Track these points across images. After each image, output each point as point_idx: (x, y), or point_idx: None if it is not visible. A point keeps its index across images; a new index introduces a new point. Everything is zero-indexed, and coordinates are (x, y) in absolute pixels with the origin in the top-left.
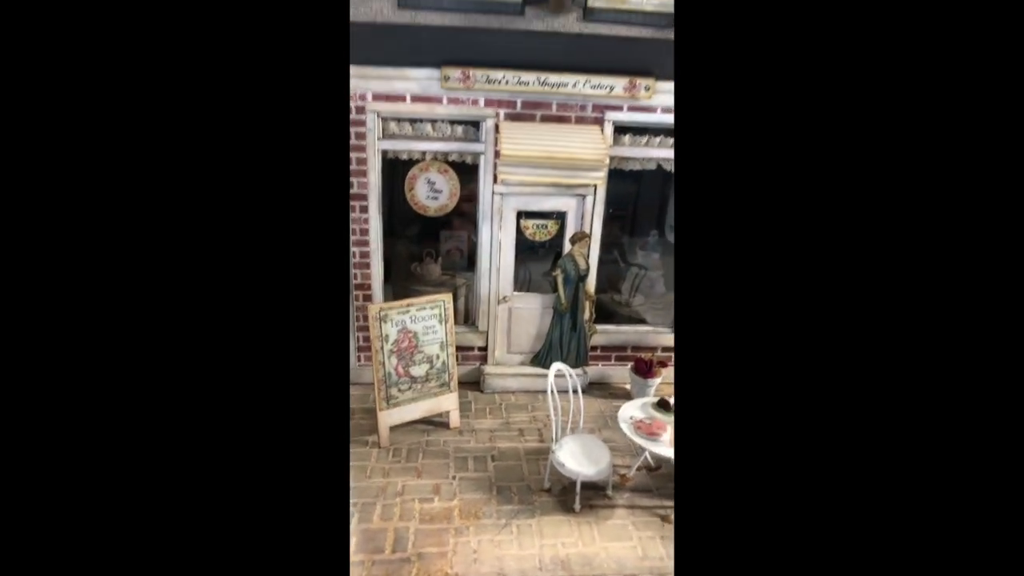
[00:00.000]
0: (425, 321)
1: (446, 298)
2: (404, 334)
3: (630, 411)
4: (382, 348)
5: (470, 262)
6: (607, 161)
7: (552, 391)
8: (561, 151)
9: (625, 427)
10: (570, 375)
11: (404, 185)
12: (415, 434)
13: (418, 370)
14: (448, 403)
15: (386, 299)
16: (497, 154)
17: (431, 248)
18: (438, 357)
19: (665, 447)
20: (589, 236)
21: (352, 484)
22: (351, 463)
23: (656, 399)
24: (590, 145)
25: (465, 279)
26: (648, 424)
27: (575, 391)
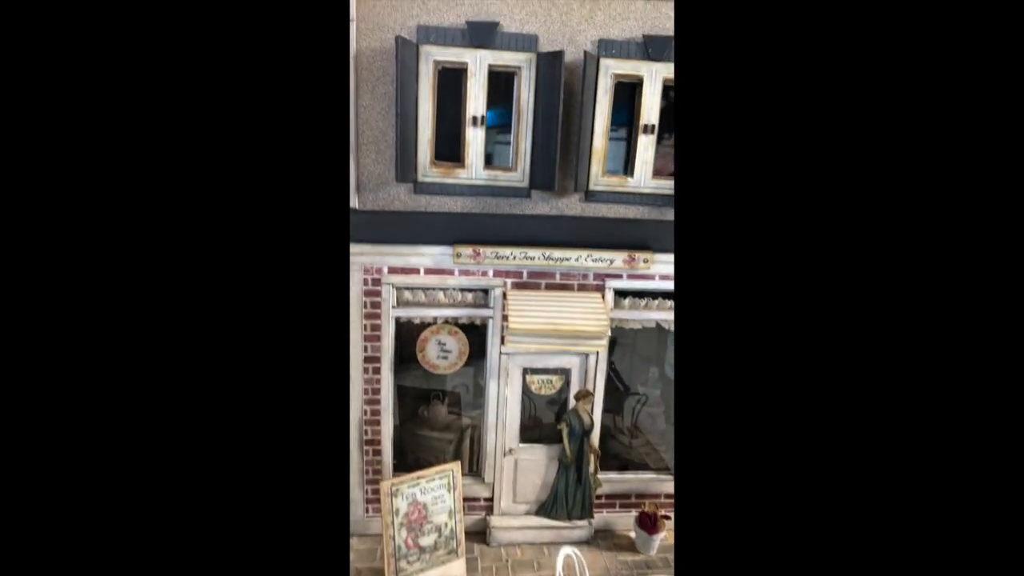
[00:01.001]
0: (434, 492)
1: (454, 467)
2: (414, 506)
3: None
4: (392, 522)
5: (476, 394)
6: (608, 332)
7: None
8: (565, 323)
9: None
10: (575, 554)
11: (416, 346)
12: None
13: (427, 540)
14: (456, 569)
15: (394, 448)
16: (505, 318)
17: (438, 390)
18: (446, 525)
19: None
20: (592, 394)
21: None
22: None
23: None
24: (592, 316)
25: (471, 418)
26: None
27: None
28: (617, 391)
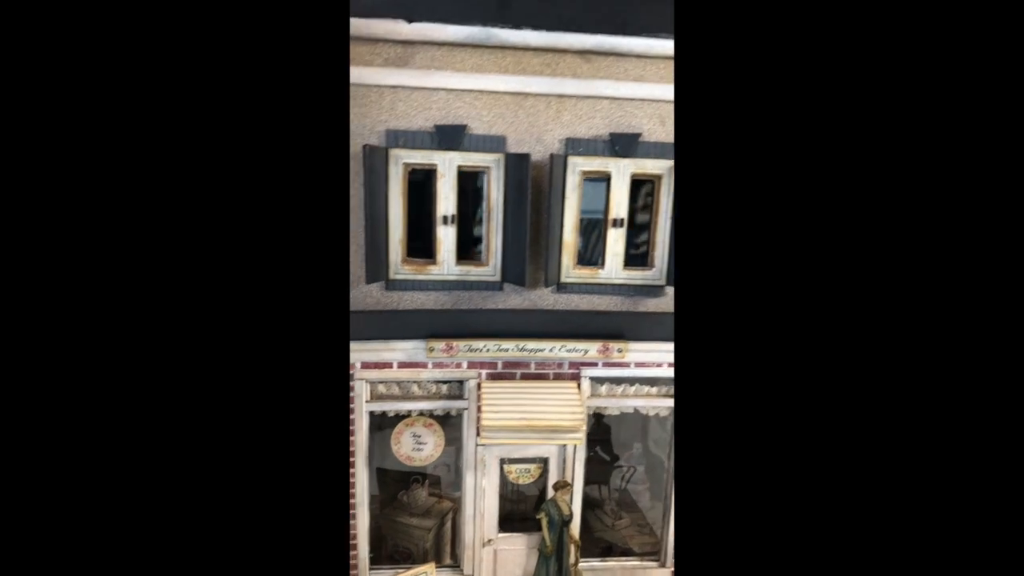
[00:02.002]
0: None
1: (429, 568)
2: None
3: None
4: None
5: (458, 474)
6: (583, 427)
7: None
8: (539, 419)
9: None
10: None
11: (391, 439)
12: None
13: None
14: None
15: (371, 541)
16: (480, 409)
17: (418, 473)
18: None
19: None
20: (571, 484)
21: None
22: None
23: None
24: (567, 410)
25: (453, 500)
26: None
27: None
28: (604, 462)
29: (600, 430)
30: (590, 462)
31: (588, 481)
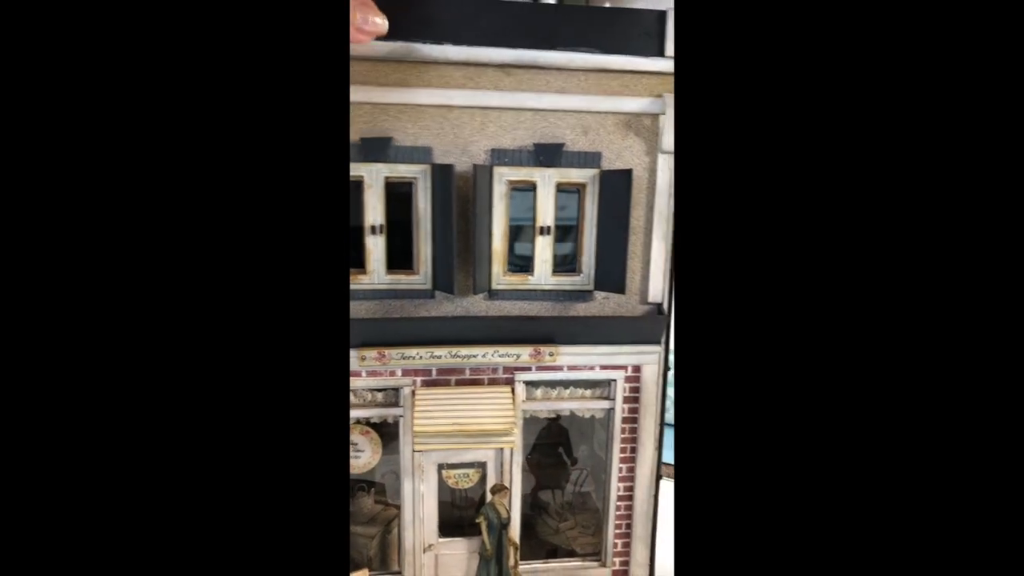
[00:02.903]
0: None
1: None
2: None
3: None
4: None
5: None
6: (515, 431)
7: None
8: (471, 423)
9: None
10: None
11: None
12: None
13: None
14: None
15: None
16: (413, 415)
17: (363, 482)
18: None
19: None
20: (508, 488)
21: None
22: None
23: None
24: (499, 414)
25: (399, 506)
26: None
27: None
28: (564, 465)
29: (558, 433)
30: (544, 467)
31: (541, 486)
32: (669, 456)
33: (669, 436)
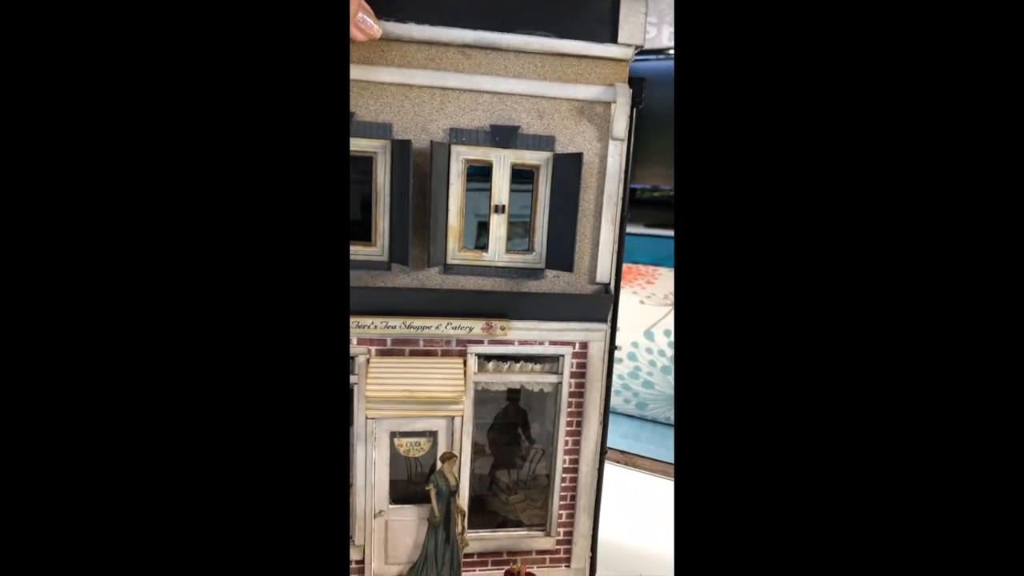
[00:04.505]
0: None
1: None
2: None
3: None
4: None
5: None
6: (463, 399)
7: None
8: (422, 390)
9: None
10: None
11: None
12: None
13: None
14: None
15: None
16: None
17: None
18: None
19: None
20: (457, 456)
21: None
22: None
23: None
24: (450, 383)
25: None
26: None
27: None
28: (519, 444)
29: (515, 414)
30: (501, 445)
31: (498, 466)
32: (614, 442)
33: (616, 423)
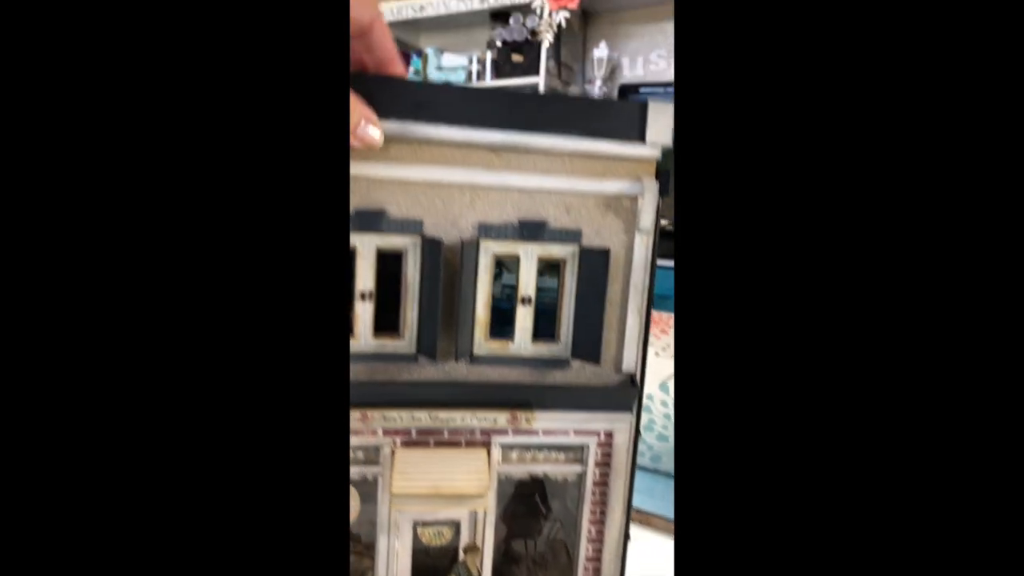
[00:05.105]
0: None
1: None
2: None
3: None
4: None
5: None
6: (488, 495)
7: None
8: (447, 486)
9: None
10: None
11: None
12: None
13: None
14: None
15: None
16: (392, 475)
17: None
18: None
19: None
20: (480, 548)
21: None
22: None
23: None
24: (475, 477)
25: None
26: None
27: None
28: (538, 515)
29: (533, 484)
30: (519, 516)
31: (514, 535)
32: (639, 502)
33: (641, 480)
